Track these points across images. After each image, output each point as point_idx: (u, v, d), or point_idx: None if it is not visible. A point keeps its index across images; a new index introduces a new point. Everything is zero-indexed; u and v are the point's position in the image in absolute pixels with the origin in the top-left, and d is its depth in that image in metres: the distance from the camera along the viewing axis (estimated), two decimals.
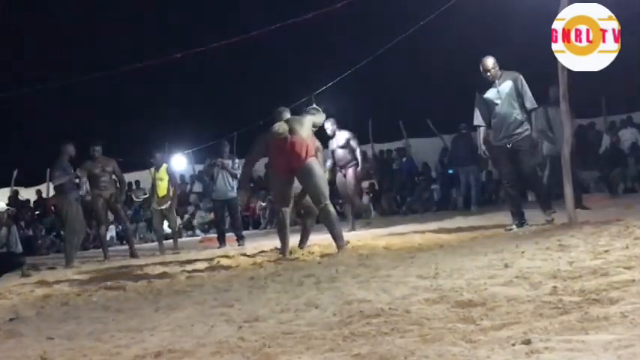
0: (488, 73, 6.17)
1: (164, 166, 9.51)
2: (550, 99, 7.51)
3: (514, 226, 6.12)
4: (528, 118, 6.21)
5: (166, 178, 9.42)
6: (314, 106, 7.00)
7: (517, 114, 6.15)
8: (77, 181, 8.83)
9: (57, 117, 16.76)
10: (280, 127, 6.03)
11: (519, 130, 6.16)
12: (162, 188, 9.44)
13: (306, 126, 6.13)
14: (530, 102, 6.15)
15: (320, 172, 6.03)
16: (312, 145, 6.05)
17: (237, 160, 9.70)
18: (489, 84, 6.22)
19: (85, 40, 17.59)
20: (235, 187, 9.58)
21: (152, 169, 9.56)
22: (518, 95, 6.16)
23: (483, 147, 6.55)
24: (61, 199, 8.44)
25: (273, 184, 6.43)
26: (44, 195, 15.66)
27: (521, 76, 6.16)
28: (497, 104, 6.19)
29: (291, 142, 5.90)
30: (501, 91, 6.15)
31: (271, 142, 6.12)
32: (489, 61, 6.18)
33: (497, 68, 6.18)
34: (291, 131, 5.98)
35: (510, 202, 6.39)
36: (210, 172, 9.73)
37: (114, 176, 8.99)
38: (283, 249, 6.10)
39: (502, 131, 6.22)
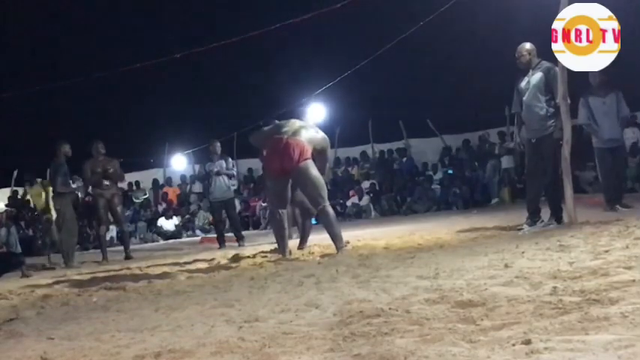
0: (520, 60, 6.07)
1: (38, 181, 9.22)
2: (592, 87, 7.22)
3: (525, 226, 6.04)
4: (557, 114, 5.93)
5: (42, 192, 9.10)
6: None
7: (540, 108, 5.99)
8: (74, 185, 8.85)
9: (57, 117, 16.76)
10: (287, 124, 6.07)
11: (542, 126, 6.00)
12: (41, 203, 9.33)
13: (310, 131, 6.13)
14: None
15: (315, 173, 5.91)
16: (309, 148, 5.99)
17: (230, 160, 9.66)
18: (525, 72, 6.11)
19: (85, 39, 17.59)
20: (232, 187, 9.56)
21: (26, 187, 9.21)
22: (547, 88, 5.96)
23: (518, 139, 6.43)
24: (59, 199, 8.48)
25: (268, 186, 6.41)
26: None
27: (556, 69, 5.85)
28: (524, 95, 6.10)
29: (286, 144, 5.87)
30: (531, 81, 6.04)
31: (268, 141, 6.12)
32: (522, 47, 6.06)
33: (532, 57, 6.05)
34: (294, 133, 5.97)
35: (527, 198, 6.37)
36: (206, 178, 9.61)
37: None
38: (283, 250, 6.08)
39: (528, 124, 6.14)
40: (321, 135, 6.28)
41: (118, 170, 8.92)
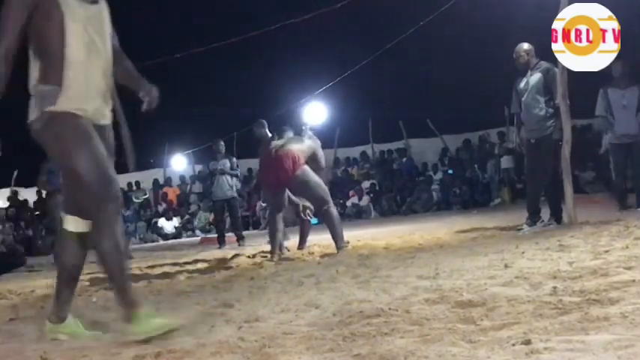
0: (518, 60, 6.07)
1: None
2: (613, 79, 6.98)
3: (525, 226, 6.05)
4: (556, 114, 5.93)
5: None
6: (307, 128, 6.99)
7: (540, 108, 5.99)
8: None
9: None
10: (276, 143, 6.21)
11: (542, 126, 6.00)
12: None
13: (297, 142, 6.21)
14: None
15: (314, 178, 6.00)
16: (301, 154, 6.05)
17: (234, 160, 9.65)
18: (524, 72, 6.10)
19: None
20: (235, 187, 9.56)
21: None
22: (546, 89, 5.97)
23: (518, 139, 6.41)
24: (49, 199, 8.56)
25: (265, 194, 6.53)
26: (44, 195, 15.68)
27: (555, 69, 5.86)
28: (523, 95, 6.10)
29: (276, 157, 5.97)
30: (530, 82, 6.04)
31: (261, 157, 6.27)
32: (520, 48, 6.05)
33: (531, 57, 6.05)
34: (283, 145, 6.10)
35: (527, 199, 6.37)
36: (210, 177, 9.59)
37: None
38: (272, 250, 6.18)
39: (527, 124, 6.14)
40: (306, 143, 6.33)
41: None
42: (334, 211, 6.05)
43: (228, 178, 9.32)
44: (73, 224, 2.88)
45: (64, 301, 2.99)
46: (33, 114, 2.76)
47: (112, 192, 2.68)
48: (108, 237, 2.67)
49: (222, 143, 9.61)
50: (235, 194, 9.58)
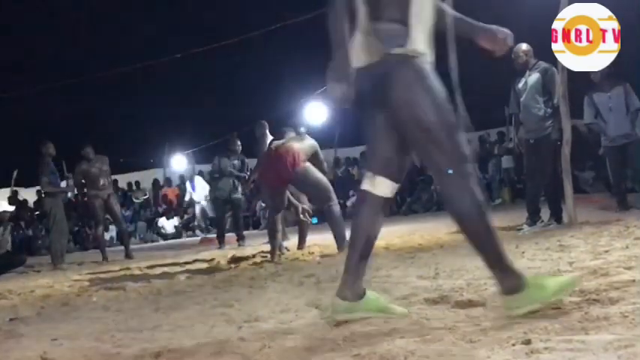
0: (517, 61, 6.06)
1: None
2: (595, 84, 7.00)
3: (525, 226, 6.05)
4: (555, 115, 5.95)
5: None
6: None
7: (538, 109, 5.99)
8: (65, 183, 8.90)
9: (57, 117, 16.75)
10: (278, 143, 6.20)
11: (540, 126, 6.01)
12: None
13: (298, 141, 6.21)
14: (558, 98, 5.88)
15: (315, 174, 6.00)
16: (302, 152, 6.05)
17: (246, 161, 9.60)
18: (522, 72, 6.11)
19: (85, 40, 17.58)
20: (240, 188, 9.54)
21: None
22: (545, 89, 5.99)
23: (516, 140, 6.41)
24: (49, 199, 8.55)
25: (264, 194, 6.52)
26: (44, 195, 15.67)
27: (554, 69, 5.88)
28: (522, 95, 6.11)
29: (277, 155, 5.98)
30: (528, 82, 6.05)
31: (260, 157, 6.28)
32: (519, 48, 6.03)
33: (529, 57, 6.05)
34: (283, 144, 6.10)
35: (526, 199, 6.38)
36: (218, 173, 9.45)
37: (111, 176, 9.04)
38: (272, 251, 6.16)
39: (525, 125, 6.15)
40: (307, 142, 6.33)
41: (107, 169, 8.95)
42: (337, 209, 6.02)
43: (234, 179, 9.30)
44: (383, 188, 2.56)
45: (360, 275, 2.67)
46: (371, 56, 2.41)
47: (463, 149, 2.39)
48: (464, 197, 2.35)
49: (239, 142, 9.47)
50: (239, 195, 9.54)
